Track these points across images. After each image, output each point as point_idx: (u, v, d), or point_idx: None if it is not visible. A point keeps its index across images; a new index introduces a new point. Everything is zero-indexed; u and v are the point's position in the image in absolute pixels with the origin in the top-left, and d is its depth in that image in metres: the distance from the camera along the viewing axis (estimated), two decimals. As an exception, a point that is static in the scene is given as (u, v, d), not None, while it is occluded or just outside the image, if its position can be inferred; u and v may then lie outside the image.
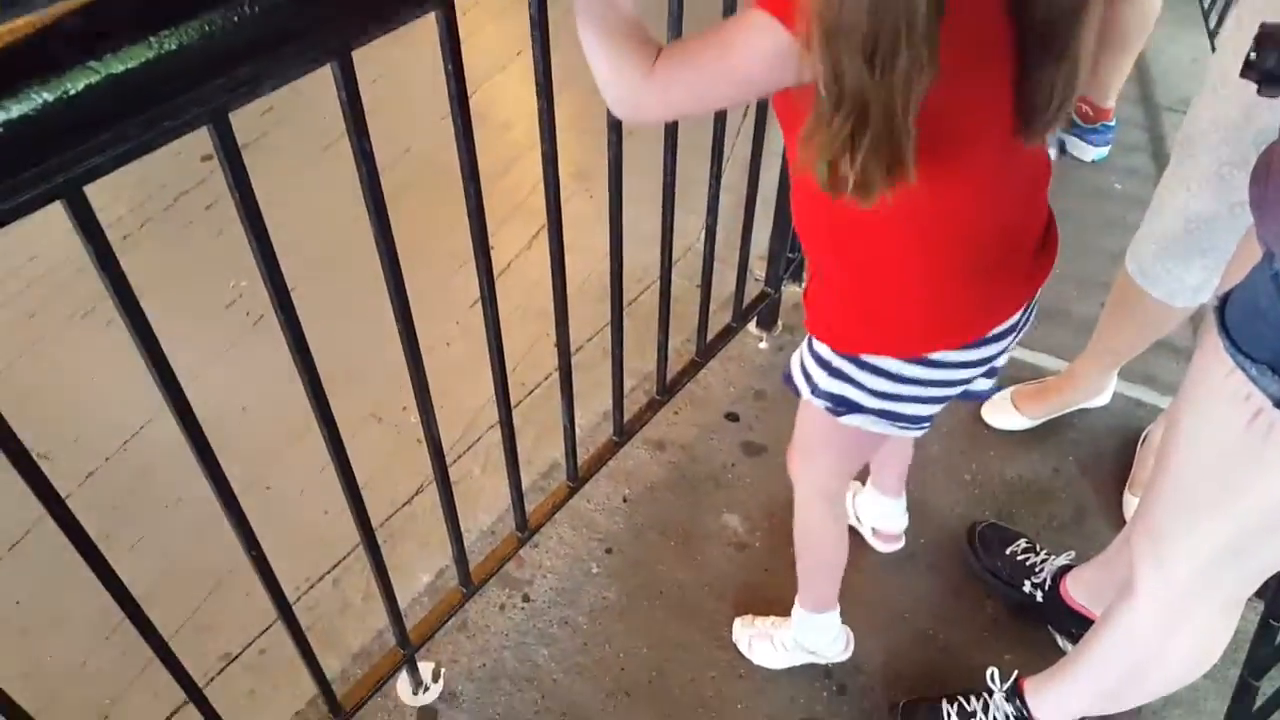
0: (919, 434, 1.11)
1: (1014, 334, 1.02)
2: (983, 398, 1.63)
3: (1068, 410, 1.82)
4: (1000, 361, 1.06)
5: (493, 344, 1.18)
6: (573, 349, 1.36)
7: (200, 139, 0.72)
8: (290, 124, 2.49)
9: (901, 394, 1.02)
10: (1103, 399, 1.84)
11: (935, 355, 0.98)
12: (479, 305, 1.13)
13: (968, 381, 1.04)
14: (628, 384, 1.60)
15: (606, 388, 1.56)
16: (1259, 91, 0.75)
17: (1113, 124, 2.37)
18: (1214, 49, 2.48)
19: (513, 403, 1.31)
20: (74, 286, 2.16)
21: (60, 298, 2.16)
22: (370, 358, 1.59)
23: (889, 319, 0.98)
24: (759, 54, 0.76)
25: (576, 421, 1.49)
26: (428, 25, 0.86)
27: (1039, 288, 1.00)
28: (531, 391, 1.96)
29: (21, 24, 0.51)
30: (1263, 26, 0.73)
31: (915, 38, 0.67)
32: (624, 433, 1.65)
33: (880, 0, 0.65)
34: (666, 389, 1.72)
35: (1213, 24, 2.58)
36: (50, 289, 2.18)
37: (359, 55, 0.79)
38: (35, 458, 0.72)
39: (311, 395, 0.96)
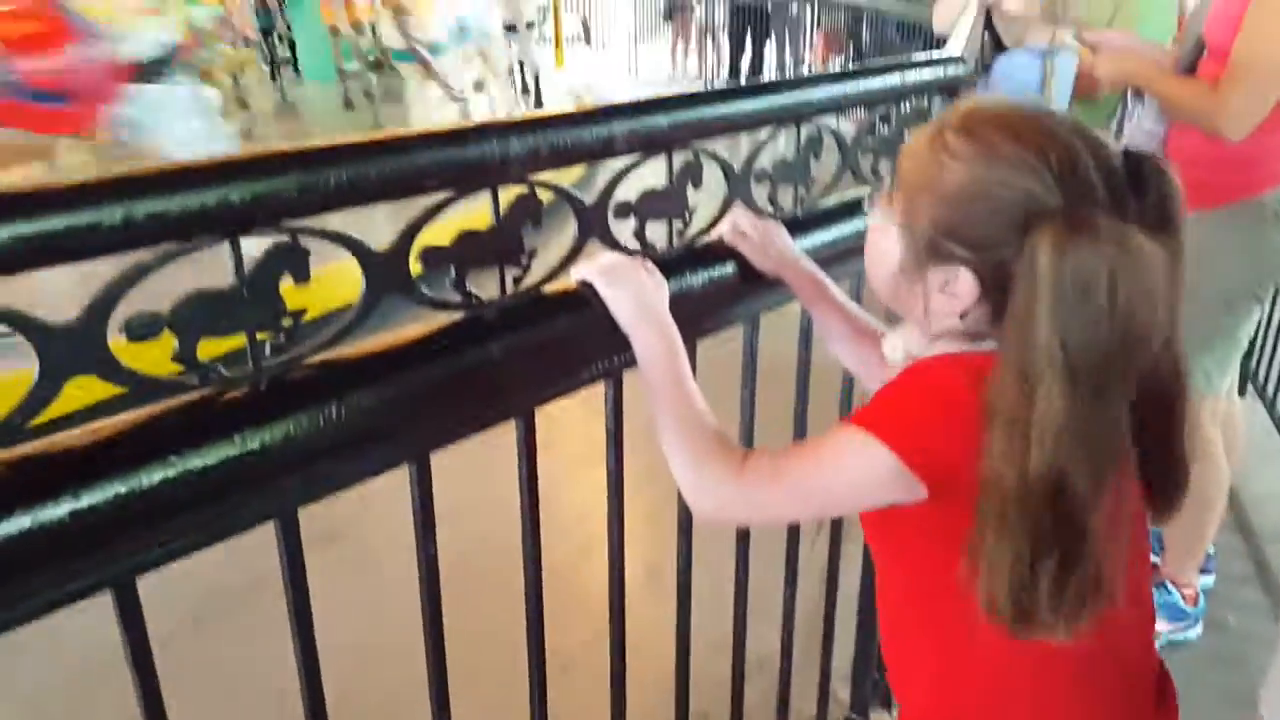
0: None
1: None
2: None
3: None
4: None
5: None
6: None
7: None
8: (364, 514, 2.56)
9: None
10: None
11: None
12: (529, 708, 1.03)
13: None
14: (692, 823, 1.37)
15: (666, 824, 1.34)
16: None
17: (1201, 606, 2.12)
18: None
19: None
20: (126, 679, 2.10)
21: (109, 690, 2.08)
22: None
23: None
24: (859, 476, 0.73)
25: None
26: (508, 424, 0.88)
27: None
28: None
29: (114, 422, 0.53)
30: None
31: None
32: None
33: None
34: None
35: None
36: (101, 681, 2.12)
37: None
38: None
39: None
